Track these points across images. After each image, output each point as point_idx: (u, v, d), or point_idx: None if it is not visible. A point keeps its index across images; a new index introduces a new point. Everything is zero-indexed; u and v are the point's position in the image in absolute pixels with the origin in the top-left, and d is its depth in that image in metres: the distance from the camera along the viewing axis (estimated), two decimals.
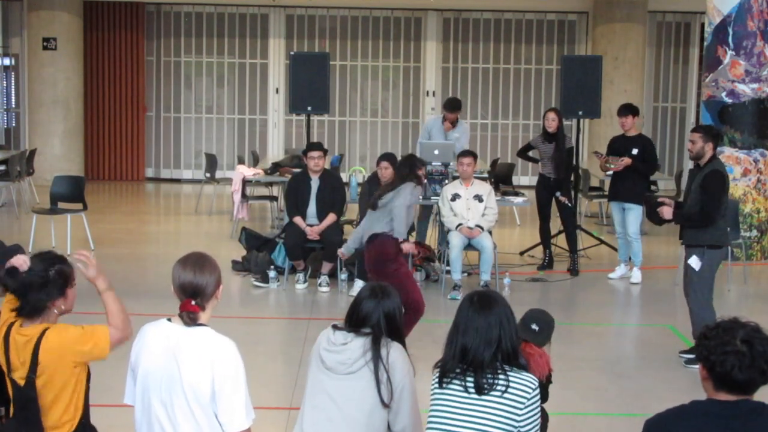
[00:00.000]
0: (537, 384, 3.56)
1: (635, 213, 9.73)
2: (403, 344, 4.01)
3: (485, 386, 3.49)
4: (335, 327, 3.98)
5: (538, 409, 3.57)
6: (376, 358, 3.83)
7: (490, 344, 3.53)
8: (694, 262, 6.99)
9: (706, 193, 6.96)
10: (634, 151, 9.63)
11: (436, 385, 3.61)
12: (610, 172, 9.94)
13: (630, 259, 10.01)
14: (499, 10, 17.37)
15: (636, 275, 9.87)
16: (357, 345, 3.86)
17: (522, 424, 3.50)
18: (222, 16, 17.46)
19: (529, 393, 3.51)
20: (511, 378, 3.50)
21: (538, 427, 3.56)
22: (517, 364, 3.58)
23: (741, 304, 9.14)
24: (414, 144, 10.65)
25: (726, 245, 7.23)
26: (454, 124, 10.50)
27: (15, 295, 3.64)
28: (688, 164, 15.29)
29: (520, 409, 3.49)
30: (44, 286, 3.62)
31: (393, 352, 3.88)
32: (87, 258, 3.71)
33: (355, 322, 3.95)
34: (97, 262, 3.77)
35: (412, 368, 3.95)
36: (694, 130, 7.32)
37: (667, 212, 7.16)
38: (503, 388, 3.48)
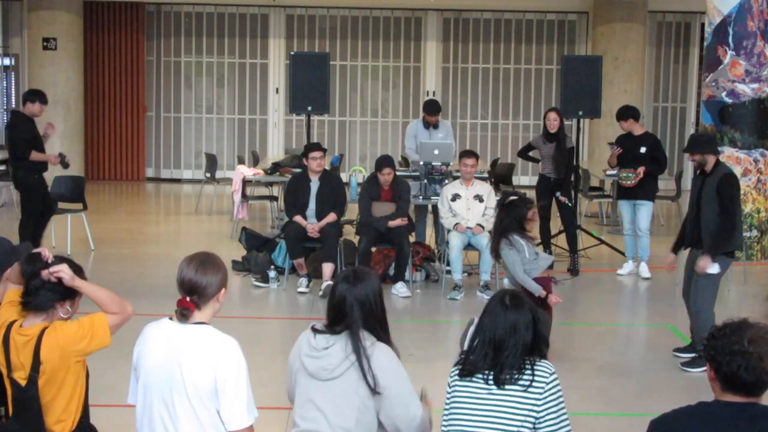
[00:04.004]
0: (553, 370, 3.58)
1: (647, 209, 9.89)
2: (388, 336, 3.76)
3: (506, 380, 3.52)
4: (315, 330, 3.75)
5: (560, 398, 3.55)
6: (359, 361, 3.61)
7: (526, 344, 3.57)
8: (714, 268, 6.94)
9: (725, 198, 6.92)
10: (642, 149, 9.71)
11: (457, 378, 3.63)
12: (612, 171, 9.98)
13: (635, 255, 10.10)
14: (499, 10, 17.37)
15: (645, 270, 10.00)
16: (338, 349, 3.64)
17: (541, 412, 3.50)
18: (222, 16, 17.46)
19: (546, 378, 3.53)
20: (535, 371, 3.53)
21: (565, 418, 3.54)
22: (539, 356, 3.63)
23: (741, 305, 9.13)
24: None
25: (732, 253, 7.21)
26: (436, 125, 10.52)
27: (26, 289, 3.64)
28: (689, 166, 15.30)
29: (540, 395, 3.51)
30: (57, 288, 3.63)
31: (377, 356, 3.64)
32: (63, 271, 3.66)
33: (332, 313, 3.73)
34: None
35: (400, 368, 3.72)
36: (687, 152, 7.31)
37: (704, 263, 6.92)
38: (527, 383, 3.52)
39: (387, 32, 17.57)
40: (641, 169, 9.69)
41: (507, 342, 3.56)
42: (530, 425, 3.51)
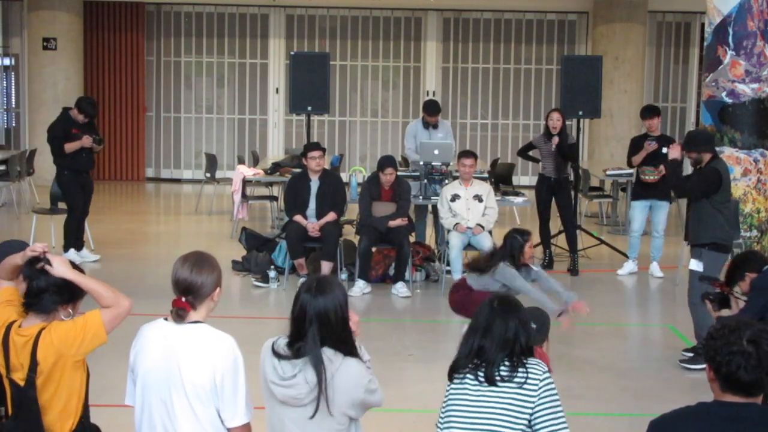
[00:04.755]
0: (546, 368, 3.61)
1: (664, 210, 9.98)
2: (353, 348, 3.56)
3: (497, 378, 3.56)
4: (278, 355, 3.54)
5: (556, 397, 3.57)
6: (320, 394, 3.44)
7: (504, 347, 3.59)
8: (695, 264, 7.00)
9: (698, 175, 7.11)
10: (664, 150, 9.77)
11: (450, 381, 3.68)
12: (612, 171, 10.03)
13: (638, 256, 10.12)
14: (499, 10, 17.37)
15: (657, 269, 10.10)
16: (303, 380, 3.46)
17: (536, 410, 3.52)
18: (222, 16, 17.46)
19: (539, 376, 3.56)
20: (529, 370, 3.56)
21: (563, 419, 3.55)
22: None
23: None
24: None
25: (729, 246, 7.23)
26: (435, 125, 10.53)
27: (29, 290, 3.62)
28: (688, 165, 15.31)
29: (534, 392, 3.54)
30: (61, 291, 3.61)
31: (345, 375, 3.47)
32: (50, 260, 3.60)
33: (293, 326, 3.56)
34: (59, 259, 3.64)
35: (367, 378, 3.54)
36: (684, 149, 7.45)
37: (674, 150, 7.42)
38: (522, 380, 3.55)
39: (387, 32, 17.57)
40: (663, 167, 9.74)
41: (488, 344, 3.60)
42: (524, 424, 3.53)
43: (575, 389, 6.51)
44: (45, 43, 16.07)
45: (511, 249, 6.96)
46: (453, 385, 3.66)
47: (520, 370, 3.56)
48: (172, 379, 3.43)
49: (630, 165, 10.35)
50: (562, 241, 10.52)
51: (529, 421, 3.53)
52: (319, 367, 3.44)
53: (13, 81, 17.74)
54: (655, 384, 6.77)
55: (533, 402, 3.53)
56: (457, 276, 9.07)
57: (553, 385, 3.58)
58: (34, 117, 16.31)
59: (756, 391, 2.90)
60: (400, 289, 9.12)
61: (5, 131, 17.76)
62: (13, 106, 17.85)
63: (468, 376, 3.62)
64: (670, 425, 2.95)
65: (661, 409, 3.08)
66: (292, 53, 11.67)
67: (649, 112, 10.11)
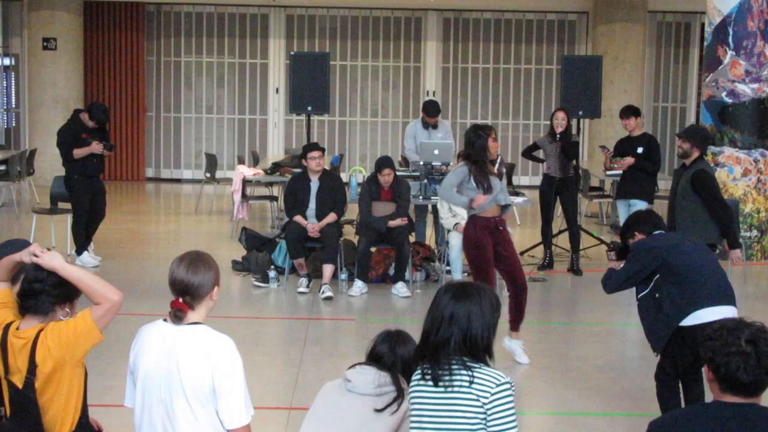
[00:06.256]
0: (505, 381, 3.31)
1: (640, 208, 9.88)
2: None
3: (444, 377, 3.32)
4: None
5: (511, 409, 3.29)
6: (398, 399, 3.82)
7: (451, 335, 3.35)
8: None
9: (707, 196, 7.13)
10: (639, 150, 9.80)
11: (413, 381, 3.50)
12: (612, 172, 10.11)
13: None
14: (499, 10, 17.38)
15: None
16: (385, 376, 3.87)
17: (490, 420, 3.28)
18: (222, 16, 17.47)
19: (492, 387, 3.28)
20: (475, 373, 3.30)
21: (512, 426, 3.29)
22: (485, 362, 3.38)
23: (741, 304, 9.09)
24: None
25: (715, 246, 7.28)
26: (435, 126, 10.53)
27: (25, 292, 3.60)
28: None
29: (486, 400, 3.27)
30: (56, 290, 3.58)
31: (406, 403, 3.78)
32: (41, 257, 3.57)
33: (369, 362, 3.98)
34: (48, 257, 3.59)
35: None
36: (680, 136, 7.53)
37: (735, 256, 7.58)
38: (468, 382, 3.29)
39: (387, 32, 17.58)
40: (627, 159, 9.77)
41: (434, 334, 3.37)
42: (480, 426, 3.28)
43: (575, 389, 6.52)
44: (45, 43, 16.07)
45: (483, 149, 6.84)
46: (412, 388, 3.46)
47: (463, 371, 3.30)
48: (172, 380, 3.43)
49: (605, 168, 10.45)
50: (561, 241, 10.52)
51: (484, 424, 3.28)
52: (396, 377, 3.83)
53: (13, 81, 17.75)
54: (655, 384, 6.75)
55: (483, 405, 3.26)
56: (457, 276, 9.07)
57: (510, 402, 3.29)
58: (34, 117, 16.32)
59: (756, 391, 2.90)
60: (400, 289, 9.12)
61: (5, 131, 17.76)
62: (13, 106, 17.85)
63: (422, 375, 3.40)
64: (670, 426, 2.95)
65: (659, 409, 3.08)
66: (292, 53, 11.68)
67: (625, 112, 10.10)
